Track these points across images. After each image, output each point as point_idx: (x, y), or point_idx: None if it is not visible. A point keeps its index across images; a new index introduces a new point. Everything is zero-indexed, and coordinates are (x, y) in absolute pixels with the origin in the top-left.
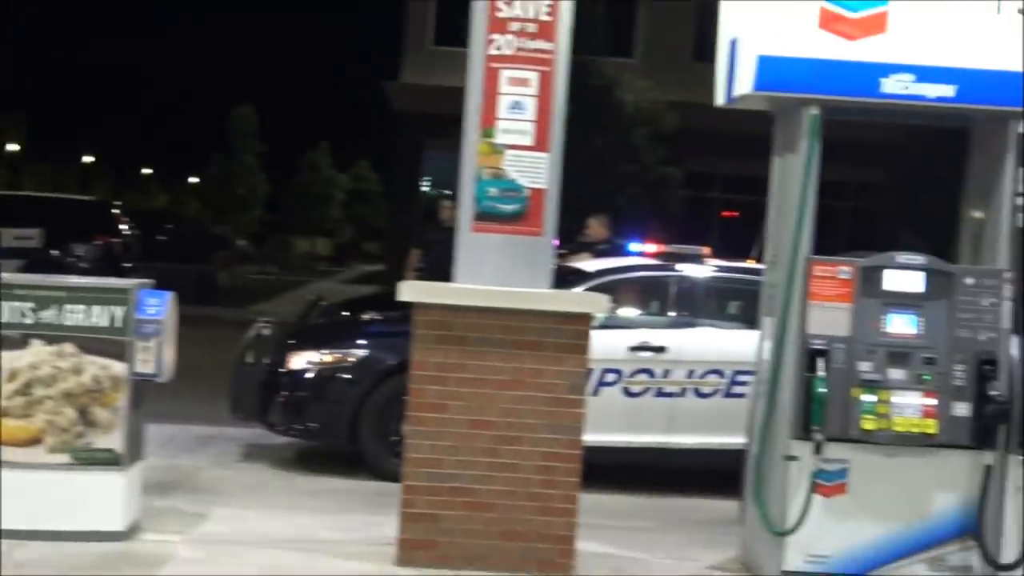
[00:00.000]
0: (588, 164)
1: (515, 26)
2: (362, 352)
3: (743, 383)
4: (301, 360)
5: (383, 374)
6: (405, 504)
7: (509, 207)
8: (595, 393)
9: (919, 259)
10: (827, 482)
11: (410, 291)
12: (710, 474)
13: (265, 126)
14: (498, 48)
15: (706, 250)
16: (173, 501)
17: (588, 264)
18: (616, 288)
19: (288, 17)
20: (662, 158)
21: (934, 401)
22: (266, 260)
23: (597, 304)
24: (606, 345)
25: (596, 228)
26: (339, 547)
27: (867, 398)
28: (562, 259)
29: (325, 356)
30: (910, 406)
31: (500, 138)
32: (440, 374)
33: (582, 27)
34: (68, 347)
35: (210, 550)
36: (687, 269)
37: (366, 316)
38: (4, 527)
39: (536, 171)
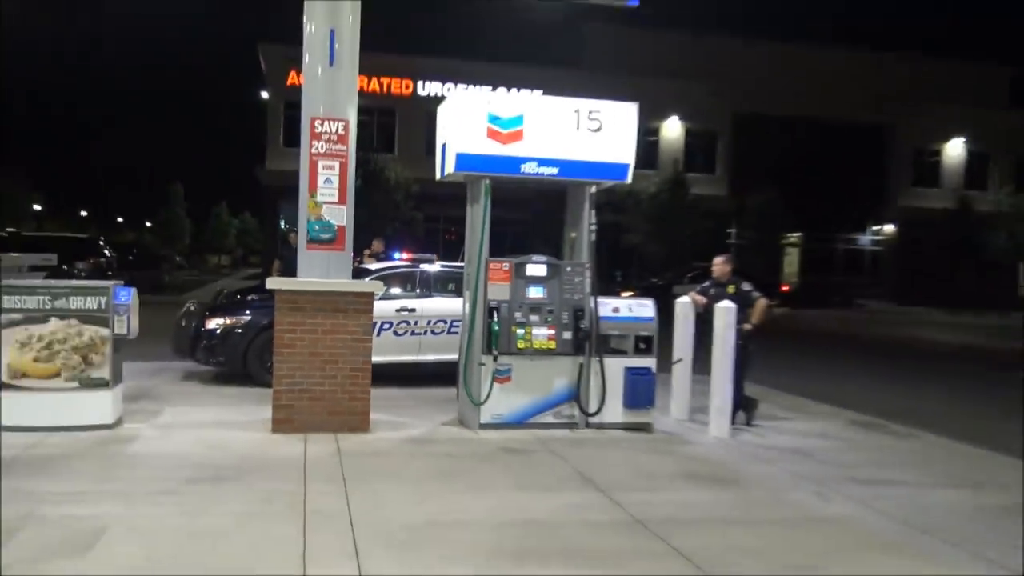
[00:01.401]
0: (371, 212)
1: (325, 136)
2: (247, 317)
3: (457, 326)
4: (213, 323)
5: (260, 329)
6: (275, 399)
7: (326, 236)
8: (378, 335)
9: (543, 258)
10: (501, 376)
11: (273, 283)
12: (441, 375)
13: (188, 192)
14: (316, 149)
15: (435, 256)
16: (141, 405)
17: (372, 265)
18: (388, 278)
19: (204, 124)
20: (411, 207)
21: (553, 332)
22: (192, 268)
23: (375, 287)
24: (383, 308)
25: (376, 245)
26: (239, 424)
27: (520, 331)
28: (359, 263)
29: (228, 320)
30: (542, 334)
31: (319, 198)
32: (291, 328)
33: (366, 136)
34: (73, 321)
35: (164, 430)
36: (425, 266)
37: (249, 297)
38: (41, 425)
39: (340, 216)
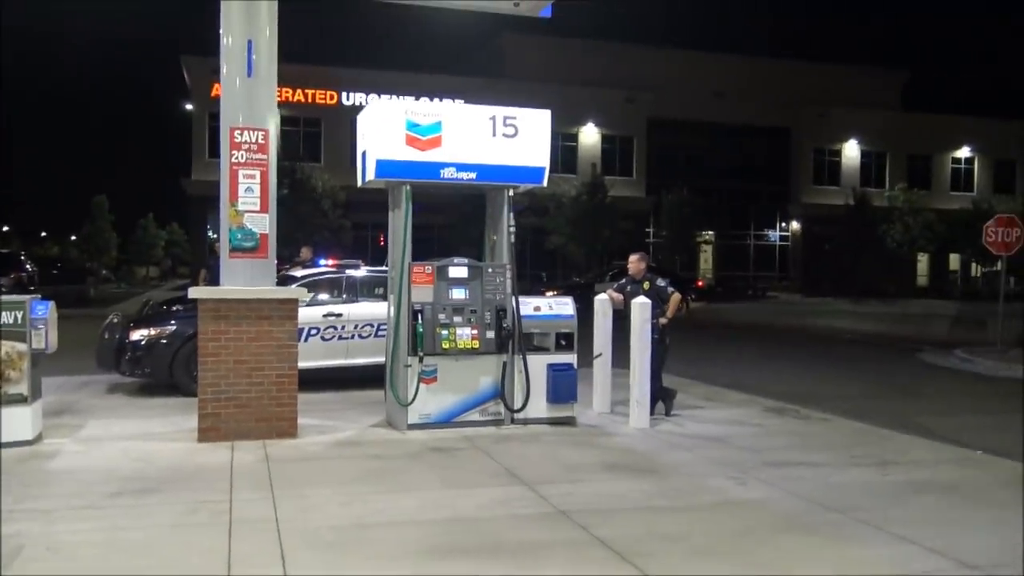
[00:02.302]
0: (299, 220)
1: (245, 145)
2: (172, 327)
3: (384, 330)
4: (138, 334)
5: (186, 338)
6: (200, 408)
7: (249, 244)
8: (306, 340)
9: (465, 260)
10: (427, 377)
11: (196, 292)
12: (371, 378)
13: (113, 205)
14: (236, 158)
15: (361, 262)
16: (64, 419)
17: (298, 272)
18: (314, 284)
19: (129, 137)
20: (339, 215)
21: (477, 331)
22: (120, 281)
23: (299, 293)
24: (310, 314)
25: (305, 252)
26: (165, 435)
27: (444, 332)
28: (286, 270)
29: (152, 330)
30: (466, 334)
31: (241, 207)
32: (215, 336)
33: (292, 146)
34: None
35: (87, 444)
36: (351, 272)
37: (175, 307)
38: None
39: (263, 224)
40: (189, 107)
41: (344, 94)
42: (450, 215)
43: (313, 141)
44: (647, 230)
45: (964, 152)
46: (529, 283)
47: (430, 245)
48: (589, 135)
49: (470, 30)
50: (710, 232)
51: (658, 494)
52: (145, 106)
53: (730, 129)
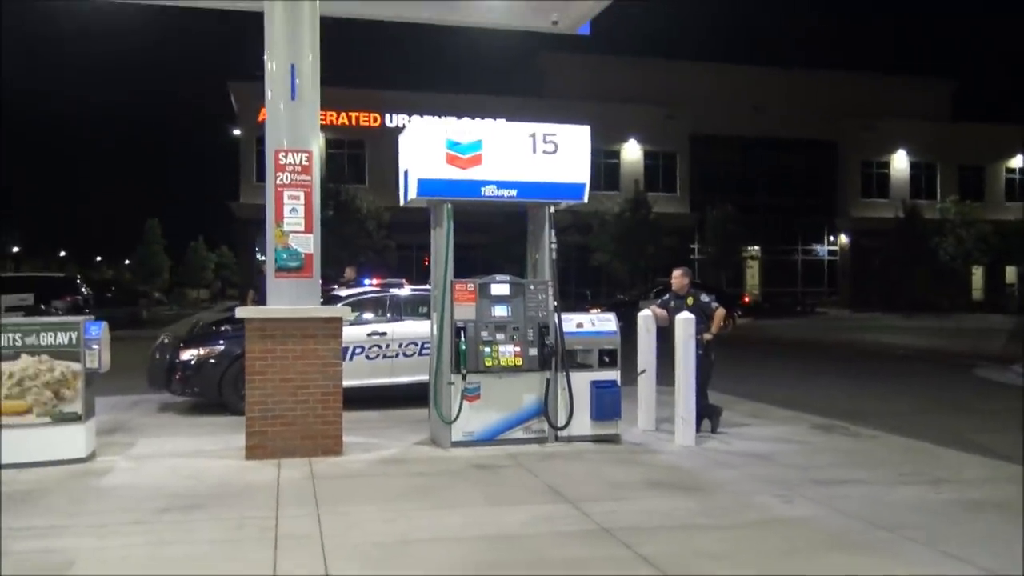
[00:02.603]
0: (344, 241)
1: (289, 167)
2: (221, 347)
3: (427, 348)
4: (188, 353)
5: (234, 358)
6: (247, 426)
7: (294, 264)
8: (351, 359)
9: (507, 278)
10: (470, 394)
11: (243, 312)
12: (415, 396)
13: (166, 229)
14: (281, 180)
15: (405, 281)
16: (116, 437)
17: (343, 292)
18: (358, 303)
19: (180, 162)
20: (384, 235)
21: (519, 348)
22: (172, 303)
23: (343, 312)
24: (354, 333)
25: (349, 272)
26: (213, 452)
27: (487, 350)
28: (332, 290)
29: (201, 350)
30: (508, 352)
31: (286, 227)
32: (262, 355)
33: (337, 168)
34: (44, 357)
35: (138, 462)
36: (395, 291)
37: (223, 328)
38: (14, 461)
39: (307, 244)
40: (237, 132)
41: (387, 116)
42: (494, 234)
43: (357, 163)
44: (691, 246)
45: (1018, 161)
46: (574, 301)
47: (473, 264)
48: (631, 152)
49: (510, 51)
50: (756, 247)
51: (702, 512)
52: (195, 132)
53: (773, 143)
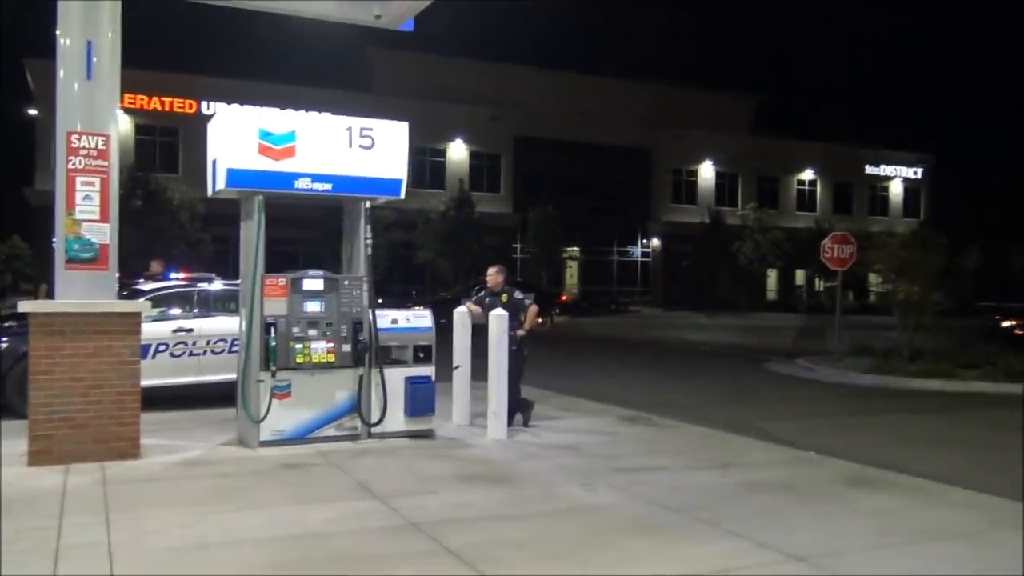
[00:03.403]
0: (155, 233)
1: (83, 151)
2: (4, 344)
3: (238, 345)
4: None
5: (20, 356)
6: (31, 430)
7: (87, 255)
8: (154, 357)
9: (320, 272)
10: (280, 392)
11: (26, 306)
12: (225, 396)
13: None
14: (74, 164)
15: (215, 276)
16: None
17: (146, 285)
18: (163, 298)
19: None
20: (198, 228)
21: (332, 344)
22: None
23: (141, 307)
24: (158, 330)
25: (155, 266)
26: None
27: (298, 346)
28: (137, 284)
29: None
30: (321, 348)
31: (78, 215)
32: (48, 352)
33: (147, 155)
34: None
35: None
36: (203, 285)
37: (6, 324)
38: None
39: (103, 234)
40: (33, 112)
41: (204, 103)
42: (320, 229)
43: (171, 151)
44: (514, 245)
45: (808, 174)
46: (399, 298)
47: (296, 260)
48: (457, 151)
49: (340, 45)
50: (575, 248)
51: (509, 503)
52: None
53: (594, 148)
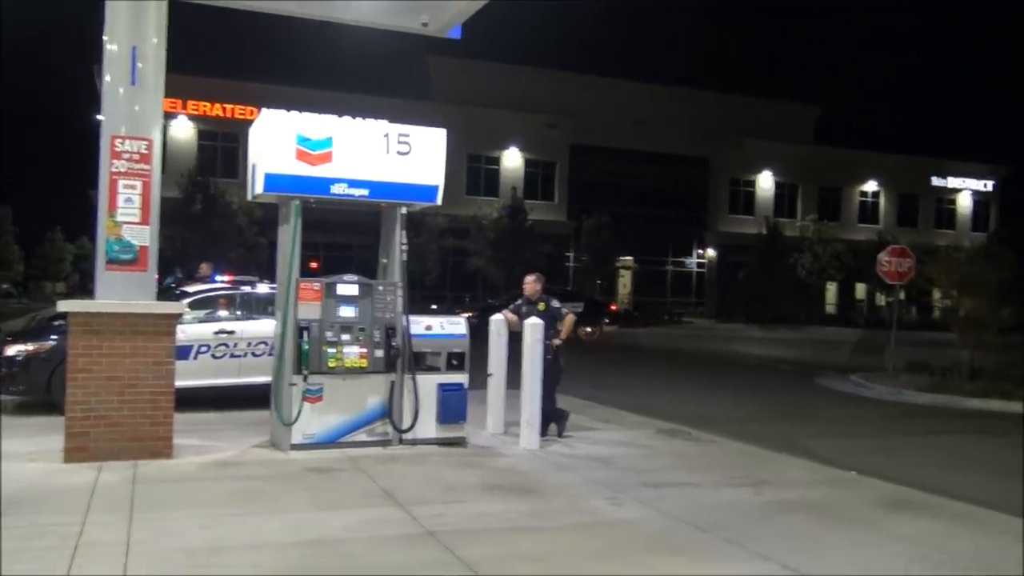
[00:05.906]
0: (212, 237)
1: (126, 155)
2: (52, 342)
3: None
4: (14, 349)
5: (66, 355)
6: (68, 426)
7: (127, 256)
8: (195, 358)
9: (355, 278)
10: (312, 395)
11: (65, 305)
12: (265, 398)
13: (18, 217)
14: (117, 168)
15: (258, 279)
16: None
17: (192, 287)
18: (207, 300)
19: (37, 149)
20: (256, 232)
21: (365, 350)
22: (26, 296)
23: (178, 308)
24: (200, 331)
25: (204, 268)
26: (31, 455)
27: (331, 350)
28: (183, 285)
29: (30, 346)
30: (353, 353)
31: (119, 217)
32: (86, 351)
33: (208, 161)
34: None
35: None
36: (246, 288)
37: (56, 323)
38: None
39: (143, 236)
40: (100, 118)
41: (265, 110)
42: (373, 235)
43: (231, 156)
44: (567, 254)
45: (871, 186)
46: (450, 304)
47: (348, 265)
48: (512, 159)
49: (397, 52)
50: (629, 257)
51: (532, 515)
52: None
53: (650, 156)
